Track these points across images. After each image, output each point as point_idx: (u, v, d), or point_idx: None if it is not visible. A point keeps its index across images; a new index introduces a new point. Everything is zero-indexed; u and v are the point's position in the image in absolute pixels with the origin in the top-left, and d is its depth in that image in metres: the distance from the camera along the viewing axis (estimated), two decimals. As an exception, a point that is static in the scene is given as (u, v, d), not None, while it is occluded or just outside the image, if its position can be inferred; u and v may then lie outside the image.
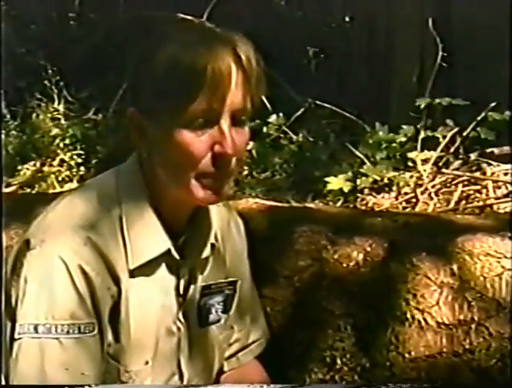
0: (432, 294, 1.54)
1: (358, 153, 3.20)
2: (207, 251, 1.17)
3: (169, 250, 1.10)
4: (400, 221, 1.72)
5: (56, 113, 4.25)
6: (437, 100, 3.35)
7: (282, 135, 3.77)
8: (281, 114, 3.73)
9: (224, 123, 1.02)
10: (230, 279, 1.23)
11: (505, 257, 1.55)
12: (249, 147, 3.58)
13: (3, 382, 1.10)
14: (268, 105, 3.87)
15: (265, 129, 3.63)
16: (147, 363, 1.11)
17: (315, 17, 5.14)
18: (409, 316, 1.53)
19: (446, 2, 3.93)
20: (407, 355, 1.53)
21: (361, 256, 1.60)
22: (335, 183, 2.74)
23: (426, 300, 1.53)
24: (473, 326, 1.51)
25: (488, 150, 3.24)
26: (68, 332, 1.02)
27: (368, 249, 1.61)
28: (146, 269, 1.09)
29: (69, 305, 1.02)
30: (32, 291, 1.03)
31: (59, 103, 4.34)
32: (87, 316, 1.03)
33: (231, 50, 1.01)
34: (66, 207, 1.09)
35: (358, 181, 2.79)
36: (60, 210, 1.09)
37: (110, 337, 1.07)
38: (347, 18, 5.51)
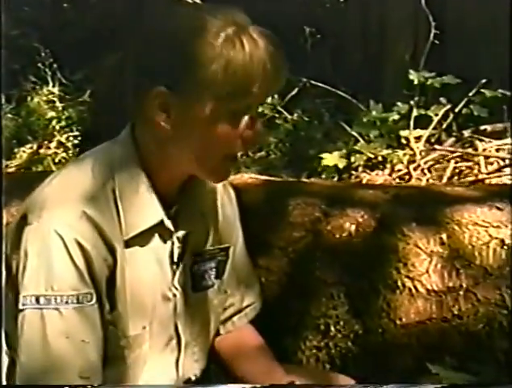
0: (422, 263, 1.60)
1: (352, 131, 3.25)
2: (199, 220, 1.22)
3: (162, 221, 1.16)
4: (391, 194, 1.78)
5: (51, 96, 4.29)
6: (430, 80, 3.40)
7: (277, 115, 3.82)
8: (275, 94, 3.77)
9: (255, 113, 1.12)
10: (222, 245, 1.29)
11: (493, 226, 1.62)
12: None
13: (4, 382, 1.18)
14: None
15: (260, 109, 3.67)
16: (144, 328, 1.16)
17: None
18: (399, 284, 1.60)
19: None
20: (398, 321, 1.59)
21: (353, 227, 1.66)
22: (330, 159, 2.80)
23: (417, 268, 1.60)
24: (462, 292, 1.58)
25: (482, 127, 3.30)
26: (67, 302, 1.08)
27: (360, 220, 1.67)
28: (140, 239, 1.14)
29: (68, 277, 1.08)
30: (32, 264, 1.08)
31: (54, 86, 4.37)
32: (85, 286, 1.09)
33: (272, 45, 1.08)
34: (61, 181, 1.14)
35: (353, 158, 2.85)
36: (55, 185, 1.14)
37: (107, 305, 1.12)
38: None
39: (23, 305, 1.08)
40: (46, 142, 3.89)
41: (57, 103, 4.15)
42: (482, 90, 3.33)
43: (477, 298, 1.57)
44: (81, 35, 4.78)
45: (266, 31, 1.10)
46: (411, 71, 3.38)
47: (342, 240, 1.65)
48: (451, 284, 1.58)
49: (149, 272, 1.16)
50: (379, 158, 3.11)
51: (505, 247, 1.58)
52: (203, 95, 1.08)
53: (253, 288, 1.41)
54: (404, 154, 3.07)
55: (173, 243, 1.18)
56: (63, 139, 3.72)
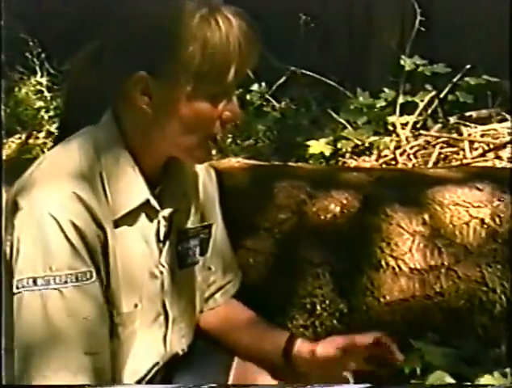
0: (405, 242, 1.66)
1: (339, 118, 3.30)
2: (182, 199, 1.26)
3: (148, 200, 1.19)
4: (375, 176, 1.84)
5: (39, 86, 4.31)
6: (421, 67, 3.45)
7: (265, 103, 3.86)
8: (263, 83, 3.82)
9: (234, 93, 1.15)
10: (205, 223, 1.32)
11: (473, 206, 1.67)
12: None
13: (3, 382, 1.19)
14: (250, 73, 3.98)
15: (248, 97, 3.72)
16: (136, 306, 1.19)
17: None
18: (383, 263, 1.65)
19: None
20: (382, 299, 1.65)
21: (338, 208, 1.71)
22: (316, 146, 2.84)
23: (399, 247, 1.65)
24: (443, 270, 1.64)
25: (467, 114, 3.36)
26: (66, 282, 1.10)
27: (344, 202, 1.72)
28: (128, 219, 1.18)
29: (65, 257, 1.10)
30: (27, 247, 1.10)
31: (42, 76, 4.39)
32: (83, 265, 1.11)
33: (246, 24, 1.12)
34: (49, 165, 1.16)
35: (339, 144, 2.90)
36: (43, 168, 1.16)
37: (103, 285, 1.15)
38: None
39: (20, 287, 1.10)
40: (35, 132, 3.91)
41: (45, 93, 4.18)
42: (467, 77, 3.39)
43: (458, 276, 1.63)
44: (68, 25, 4.80)
45: (239, 10, 1.13)
46: (403, 57, 3.42)
47: (326, 221, 1.70)
48: (432, 263, 1.64)
49: (138, 251, 1.20)
50: (366, 145, 3.16)
51: (485, 226, 1.64)
52: (183, 77, 1.11)
53: (233, 265, 1.45)
54: (391, 140, 3.12)
55: (159, 222, 1.22)
56: (52, 128, 3.75)
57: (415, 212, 1.68)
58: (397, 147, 2.96)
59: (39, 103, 4.07)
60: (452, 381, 1.32)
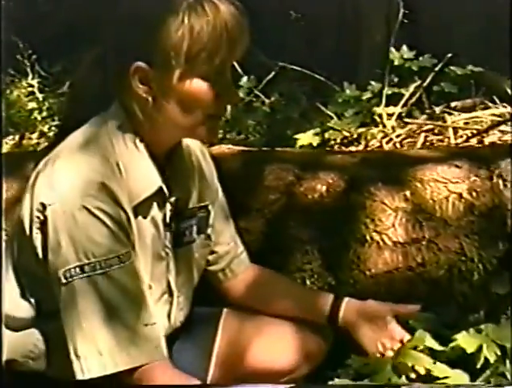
0: (388, 217, 1.78)
1: (327, 111, 3.42)
2: (185, 183, 1.36)
3: (161, 188, 1.29)
4: (359, 158, 1.97)
5: (30, 88, 4.42)
6: (408, 62, 3.58)
7: (254, 99, 3.98)
8: (253, 77, 3.94)
9: (229, 73, 1.25)
10: (202, 203, 1.42)
11: (451, 182, 1.80)
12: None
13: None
14: (239, 69, 4.10)
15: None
16: (150, 287, 1.30)
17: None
18: (368, 238, 1.77)
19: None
20: (368, 272, 1.77)
21: (324, 188, 1.83)
22: (304, 138, 2.96)
23: (383, 223, 1.78)
24: (424, 243, 1.76)
25: (453, 104, 3.49)
26: (111, 265, 1.19)
27: (331, 182, 1.84)
28: (143, 206, 1.28)
29: (105, 242, 1.19)
30: (66, 239, 1.18)
31: (33, 78, 4.50)
32: (122, 247, 1.21)
33: (236, 7, 1.22)
34: (69, 162, 1.23)
35: (327, 134, 3.02)
36: (64, 166, 1.22)
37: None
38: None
39: (68, 277, 1.18)
40: (28, 133, 4.02)
41: (37, 95, 4.29)
42: (452, 67, 3.52)
43: (438, 248, 1.76)
44: (58, 27, 4.92)
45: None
46: (392, 50, 3.54)
47: (314, 200, 1.83)
48: (414, 236, 1.76)
49: (150, 236, 1.30)
50: (355, 136, 3.28)
51: (463, 200, 1.77)
52: (175, 62, 1.21)
53: (238, 237, 1.56)
54: (378, 131, 3.24)
55: (166, 208, 1.32)
56: (45, 129, 3.86)
57: (397, 190, 1.80)
58: (384, 137, 3.08)
59: (32, 105, 4.18)
60: (432, 341, 1.43)
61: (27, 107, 4.22)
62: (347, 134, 3.25)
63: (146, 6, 1.25)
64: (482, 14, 4.10)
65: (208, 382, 1.46)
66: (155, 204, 1.30)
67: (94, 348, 1.19)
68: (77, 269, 1.19)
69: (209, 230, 1.46)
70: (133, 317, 1.21)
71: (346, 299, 1.51)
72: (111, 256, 1.20)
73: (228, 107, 3.88)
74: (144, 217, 1.29)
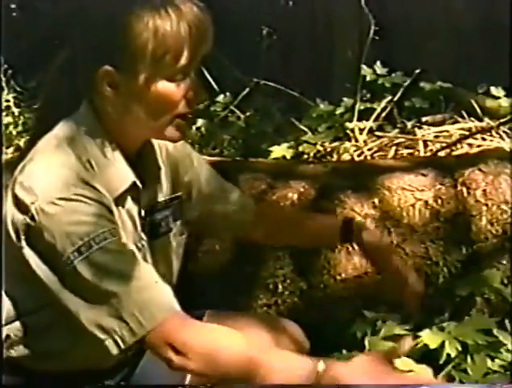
0: (357, 224, 1.86)
1: (301, 126, 3.52)
2: (156, 176, 1.42)
3: (134, 183, 1.34)
4: (330, 167, 2.06)
5: (6, 103, 4.46)
6: (381, 79, 3.70)
7: (229, 114, 4.06)
8: (228, 93, 4.04)
9: (193, 74, 1.30)
10: (174, 195, 1.46)
11: (418, 190, 1.89)
12: (198, 125, 3.92)
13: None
14: (215, 85, 4.20)
15: (213, 108, 3.94)
16: None
17: (260, 1, 5.46)
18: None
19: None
20: (338, 277, 1.85)
21: (296, 196, 1.91)
22: (278, 151, 3.04)
23: (353, 229, 1.86)
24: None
25: (423, 119, 3.61)
26: (105, 238, 1.23)
27: (302, 190, 1.92)
28: (119, 202, 1.32)
29: (94, 220, 1.23)
30: (56, 230, 1.21)
31: (8, 93, 4.55)
32: (110, 223, 1.25)
33: (199, 8, 1.28)
34: (44, 161, 1.27)
35: (301, 148, 3.10)
36: (39, 166, 1.27)
37: None
38: (290, 3, 5.85)
39: (69, 263, 1.21)
40: (4, 148, 4.06)
41: (13, 109, 4.33)
42: (422, 84, 3.65)
43: (406, 252, 1.85)
44: (33, 42, 4.97)
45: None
46: (363, 66, 3.66)
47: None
48: (383, 242, 1.85)
49: (127, 228, 1.35)
50: (328, 150, 3.38)
51: (429, 207, 1.86)
52: (141, 65, 1.26)
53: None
54: (351, 145, 3.34)
55: (140, 201, 1.37)
56: (21, 143, 3.90)
57: (366, 197, 1.89)
58: (356, 150, 3.18)
59: (7, 119, 4.22)
60: (401, 331, 1.52)
61: (3, 122, 4.26)
62: (321, 148, 3.35)
63: (111, 9, 1.30)
64: (452, 30, 4.24)
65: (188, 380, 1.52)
66: (129, 199, 1.35)
67: (118, 319, 1.22)
68: (75, 253, 1.22)
69: (186, 215, 1.51)
70: (142, 277, 1.24)
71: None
72: (102, 231, 1.24)
73: (203, 122, 3.97)
74: (122, 210, 1.34)
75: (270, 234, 1.61)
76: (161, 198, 1.43)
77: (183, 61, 1.28)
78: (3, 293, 1.33)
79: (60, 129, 1.33)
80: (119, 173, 1.33)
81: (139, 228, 1.39)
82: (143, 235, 1.40)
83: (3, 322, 1.32)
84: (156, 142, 1.44)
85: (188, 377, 1.50)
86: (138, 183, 1.36)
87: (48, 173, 1.27)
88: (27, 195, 1.25)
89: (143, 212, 1.39)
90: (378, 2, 3.92)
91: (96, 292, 1.23)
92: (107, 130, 1.33)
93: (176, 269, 1.51)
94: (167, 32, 1.25)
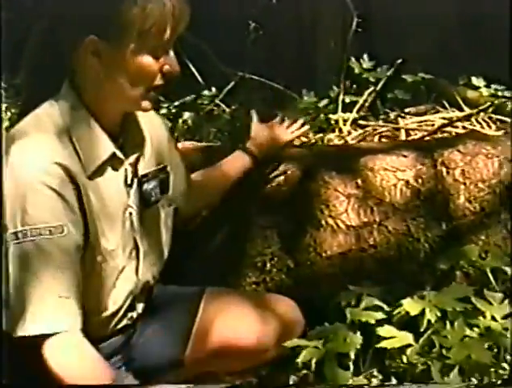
0: (341, 203, 1.95)
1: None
2: (140, 146, 1.51)
3: (114, 153, 1.44)
4: (315, 151, 2.15)
5: (-9, 99, 4.51)
6: (366, 73, 3.80)
7: (215, 108, 4.14)
8: (213, 88, 4.12)
9: (171, 49, 1.41)
10: (161, 165, 1.57)
11: (399, 170, 1.98)
12: (185, 118, 4.00)
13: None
14: (201, 79, 4.28)
15: (199, 102, 4.02)
16: (117, 245, 1.44)
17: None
18: (323, 222, 1.94)
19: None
20: (324, 254, 1.94)
21: (282, 178, 2.00)
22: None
23: (337, 208, 1.95)
24: (375, 226, 1.94)
25: (406, 110, 3.71)
26: (40, 234, 1.31)
27: (288, 172, 2.01)
28: (100, 172, 1.42)
29: (39, 213, 1.32)
30: (9, 206, 1.31)
31: (-7, 90, 4.61)
32: (55, 220, 1.33)
33: None
34: (24, 141, 1.34)
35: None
36: (18, 148, 1.32)
37: (82, 230, 1.38)
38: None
39: (6, 241, 1.31)
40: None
41: (-1, 104, 4.38)
42: (405, 76, 3.76)
43: (388, 230, 1.94)
44: (19, 38, 5.03)
45: None
46: (352, 60, 3.76)
47: (273, 189, 1.99)
48: (366, 220, 1.94)
49: (111, 197, 1.45)
50: (312, 141, 3.47)
51: (410, 187, 1.95)
52: (126, 37, 1.35)
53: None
54: (335, 137, 3.44)
55: (126, 170, 1.47)
56: (8, 138, 3.96)
57: (349, 178, 1.98)
58: (340, 140, 3.28)
59: (-6, 115, 4.28)
60: (381, 303, 1.61)
61: (-11, 118, 4.31)
62: (305, 139, 3.44)
63: None
64: (433, 22, 4.34)
65: (186, 356, 1.61)
66: (110, 169, 1.44)
67: (17, 308, 1.32)
68: (13, 236, 1.32)
69: (171, 191, 1.61)
70: (49, 286, 1.33)
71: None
72: (42, 226, 1.32)
73: (189, 115, 4.04)
74: (103, 181, 1.43)
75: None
76: (146, 168, 1.52)
77: (166, 36, 1.38)
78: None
79: (42, 108, 1.41)
80: (99, 145, 1.42)
81: (125, 196, 1.48)
82: (131, 203, 1.49)
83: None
84: (141, 117, 1.53)
85: (189, 346, 1.59)
86: (119, 153, 1.45)
87: (26, 150, 1.34)
88: (5, 164, 1.33)
89: (129, 180, 1.48)
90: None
91: (15, 276, 1.33)
92: (88, 105, 1.42)
93: (166, 243, 1.59)
94: (154, 9, 1.35)
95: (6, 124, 4.34)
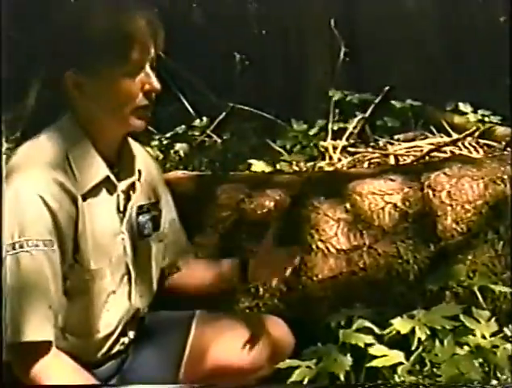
0: (331, 228, 1.99)
1: (276, 147, 3.67)
2: (134, 175, 1.56)
3: (108, 177, 1.49)
4: (304, 177, 2.20)
5: (-16, 134, 4.56)
6: (349, 96, 3.89)
7: (207, 139, 4.22)
8: (204, 118, 4.20)
9: (148, 68, 1.46)
10: (153, 200, 1.62)
11: (387, 194, 2.03)
12: (176, 149, 4.06)
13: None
14: (192, 111, 4.36)
15: (190, 133, 4.09)
16: (104, 265, 1.47)
17: (234, 30, 5.65)
18: (314, 246, 1.98)
19: (351, 3, 4.49)
20: (315, 278, 1.97)
21: (272, 204, 2.04)
22: (258, 165, 3.19)
23: (327, 232, 1.99)
24: (365, 249, 1.98)
25: (395, 137, 3.79)
26: (37, 246, 1.38)
27: (278, 198, 2.05)
28: (93, 193, 1.48)
29: (35, 226, 1.38)
30: (8, 221, 1.38)
31: (-13, 124, 4.66)
32: (48, 234, 1.39)
33: (147, 14, 1.45)
34: (24, 155, 1.44)
35: (278, 165, 3.25)
36: (20, 158, 1.43)
37: (71, 247, 1.44)
38: (263, 32, 6.06)
39: (5, 253, 1.37)
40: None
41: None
42: (393, 102, 3.84)
43: (378, 253, 1.98)
44: (8, 74, 5.09)
45: (139, 4, 1.47)
46: (332, 89, 3.85)
47: (263, 215, 2.04)
48: (355, 244, 1.98)
49: (103, 220, 1.50)
50: (304, 169, 3.53)
51: (398, 209, 2.00)
52: (99, 66, 1.42)
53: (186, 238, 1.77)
54: (326, 164, 3.50)
55: (118, 196, 1.52)
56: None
57: (338, 203, 2.03)
58: (330, 167, 3.34)
59: (-14, 150, 4.32)
60: (371, 325, 1.64)
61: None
62: (296, 168, 3.50)
63: (75, 17, 1.47)
64: (420, 50, 4.45)
65: (179, 379, 1.64)
66: (105, 192, 1.50)
67: (13, 317, 1.37)
68: (10, 246, 1.38)
69: (161, 229, 1.65)
70: (41, 296, 1.38)
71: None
72: (38, 238, 1.39)
73: (180, 146, 4.10)
74: (96, 202, 1.48)
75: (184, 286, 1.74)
76: (140, 201, 1.57)
77: (136, 58, 1.43)
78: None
79: (45, 133, 1.50)
80: (94, 168, 1.48)
81: (117, 221, 1.53)
82: (123, 229, 1.54)
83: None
84: (136, 147, 1.59)
85: (182, 369, 1.62)
86: (112, 177, 1.51)
87: (25, 168, 1.41)
88: (6, 183, 1.39)
89: (121, 207, 1.53)
90: (348, 24, 4.11)
91: (7, 285, 1.38)
92: (85, 129, 1.49)
93: (155, 277, 1.63)
94: (118, 36, 1.42)
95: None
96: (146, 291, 1.61)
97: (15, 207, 1.39)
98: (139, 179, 1.58)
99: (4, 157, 1.75)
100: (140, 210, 1.57)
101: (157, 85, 1.46)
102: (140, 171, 1.58)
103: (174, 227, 1.70)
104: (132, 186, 1.56)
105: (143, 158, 1.62)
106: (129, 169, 1.56)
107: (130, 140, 1.59)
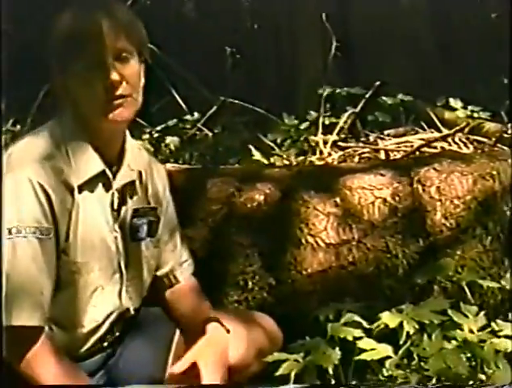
0: (321, 222, 2.00)
1: (267, 141, 3.67)
2: (132, 176, 1.56)
3: (103, 171, 1.50)
4: (294, 170, 2.20)
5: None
6: (338, 89, 3.89)
7: (198, 132, 4.21)
8: (196, 113, 4.19)
9: (108, 61, 1.45)
10: (152, 205, 1.62)
11: (377, 189, 2.04)
12: (167, 142, 4.05)
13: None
14: (183, 105, 4.35)
15: (181, 125, 4.08)
16: (93, 261, 1.48)
17: (226, 24, 5.64)
18: (303, 241, 1.99)
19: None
20: (304, 272, 1.98)
21: (262, 197, 2.05)
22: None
23: (316, 227, 2.00)
24: (354, 243, 1.99)
25: (386, 132, 3.79)
26: (34, 232, 1.40)
27: (268, 192, 2.06)
28: (89, 186, 1.49)
29: (34, 213, 1.41)
30: (7, 207, 1.40)
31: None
32: (46, 222, 1.42)
33: (107, 11, 1.47)
34: (25, 144, 1.47)
35: (272, 159, 3.25)
36: (20, 148, 1.46)
37: (63, 236, 1.45)
38: (255, 26, 6.05)
39: (4, 237, 1.39)
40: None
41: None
42: (384, 98, 3.84)
43: (367, 247, 1.99)
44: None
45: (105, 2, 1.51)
46: (323, 84, 3.85)
47: (253, 209, 2.04)
48: (345, 238, 1.99)
49: (95, 215, 1.50)
50: (294, 163, 3.53)
51: (387, 204, 2.01)
52: (69, 65, 1.45)
53: (185, 247, 1.75)
54: (316, 159, 3.50)
55: (113, 194, 1.53)
56: None
57: (328, 197, 2.03)
58: (321, 162, 3.34)
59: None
60: (360, 319, 1.65)
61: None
62: (287, 162, 3.50)
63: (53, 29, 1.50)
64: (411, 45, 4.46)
65: (166, 377, 1.63)
66: (100, 187, 1.51)
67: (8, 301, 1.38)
68: (7, 231, 1.40)
69: (158, 235, 1.65)
70: (34, 281, 1.41)
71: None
72: (35, 225, 1.41)
73: (171, 139, 4.09)
74: (90, 196, 1.50)
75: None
76: (138, 204, 1.58)
77: (93, 50, 1.45)
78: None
79: (46, 126, 1.54)
80: (90, 161, 1.50)
81: (110, 219, 1.54)
82: (116, 228, 1.54)
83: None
84: (141, 152, 1.63)
85: (169, 363, 1.62)
86: (109, 173, 1.52)
87: (25, 156, 1.45)
88: (5, 170, 1.42)
89: (115, 205, 1.53)
90: (340, 18, 4.11)
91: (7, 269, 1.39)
92: (81, 127, 1.51)
93: (147, 281, 1.63)
94: (81, 37, 1.45)
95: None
96: (137, 293, 1.61)
97: (15, 193, 1.41)
98: (140, 181, 1.59)
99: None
100: (136, 213, 1.57)
101: (113, 76, 1.45)
102: (140, 173, 1.59)
103: (173, 238, 1.70)
104: (131, 186, 1.57)
105: (147, 161, 1.64)
106: (128, 169, 1.56)
107: (137, 144, 1.63)
